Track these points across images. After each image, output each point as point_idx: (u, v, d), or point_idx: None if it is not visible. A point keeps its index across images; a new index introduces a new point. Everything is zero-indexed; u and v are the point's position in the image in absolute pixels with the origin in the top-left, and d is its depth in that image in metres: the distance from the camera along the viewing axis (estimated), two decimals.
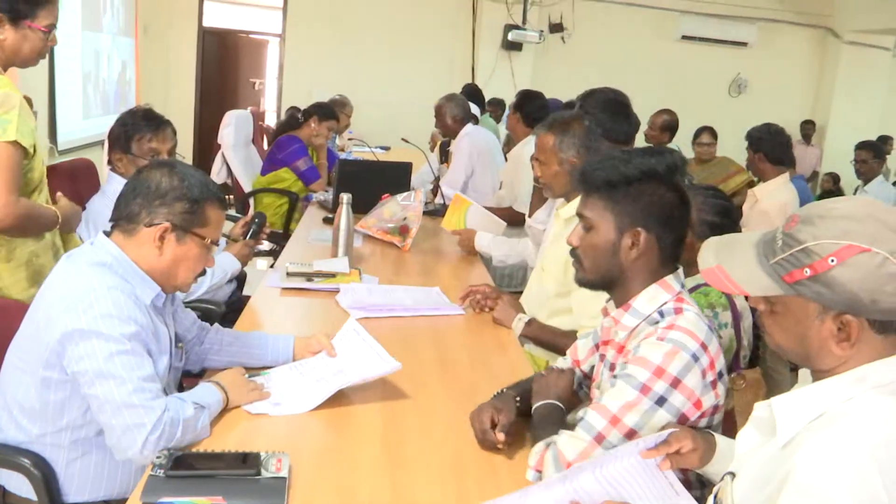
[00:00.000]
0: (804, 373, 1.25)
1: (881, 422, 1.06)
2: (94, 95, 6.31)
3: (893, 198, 6.03)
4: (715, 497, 1.26)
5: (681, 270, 1.76)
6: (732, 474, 1.26)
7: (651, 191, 1.66)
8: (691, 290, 2.20)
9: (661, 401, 1.55)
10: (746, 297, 2.29)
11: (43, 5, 2.22)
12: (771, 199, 4.10)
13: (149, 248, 1.71)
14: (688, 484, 1.63)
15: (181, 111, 8.16)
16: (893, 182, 8.46)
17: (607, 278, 1.73)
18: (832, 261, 1.09)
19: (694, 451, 1.39)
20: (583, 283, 1.79)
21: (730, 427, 2.26)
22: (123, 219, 1.72)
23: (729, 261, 1.21)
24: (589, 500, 1.34)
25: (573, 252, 1.78)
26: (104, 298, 1.60)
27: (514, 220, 4.21)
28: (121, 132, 2.82)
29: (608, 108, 3.03)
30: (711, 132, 6.02)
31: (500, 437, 1.66)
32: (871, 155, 5.76)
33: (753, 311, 2.30)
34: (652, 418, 1.55)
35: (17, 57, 2.23)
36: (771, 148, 4.24)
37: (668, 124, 5.85)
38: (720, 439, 1.48)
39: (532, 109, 4.44)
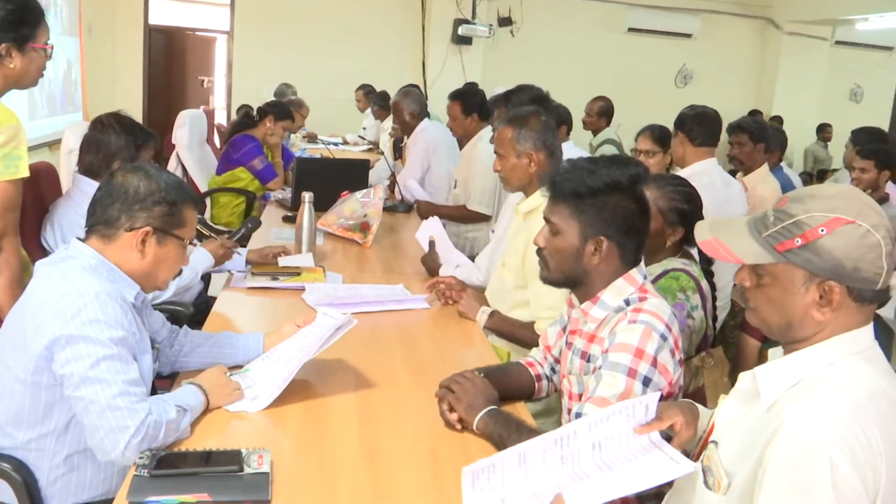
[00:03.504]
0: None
1: (859, 382, 1.21)
2: (40, 96, 6.18)
3: (795, 182, 6.19)
4: (702, 465, 1.36)
5: (643, 264, 1.86)
6: (716, 443, 1.36)
7: (615, 202, 1.76)
8: (661, 276, 2.28)
9: (646, 381, 1.67)
10: (712, 278, 2.41)
11: (41, 24, 2.22)
12: (764, 185, 4.23)
13: (130, 252, 1.74)
14: None
15: (129, 111, 7.95)
16: (821, 170, 8.76)
17: (571, 279, 1.85)
18: (822, 230, 1.22)
19: (688, 426, 1.45)
20: (547, 281, 1.90)
21: (700, 404, 2.35)
22: (101, 224, 1.73)
23: (724, 234, 1.35)
24: (579, 470, 1.40)
25: (539, 252, 1.88)
26: (92, 304, 1.62)
27: (468, 219, 4.26)
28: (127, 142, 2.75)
29: (533, 103, 3.31)
30: (657, 135, 4.10)
31: (454, 416, 1.78)
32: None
33: (713, 294, 2.40)
34: None
35: (24, 80, 2.23)
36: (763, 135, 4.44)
37: (604, 110, 6.17)
38: (699, 408, 1.55)
39: (479, 102, 4.46)
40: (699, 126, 3.49)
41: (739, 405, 1.37)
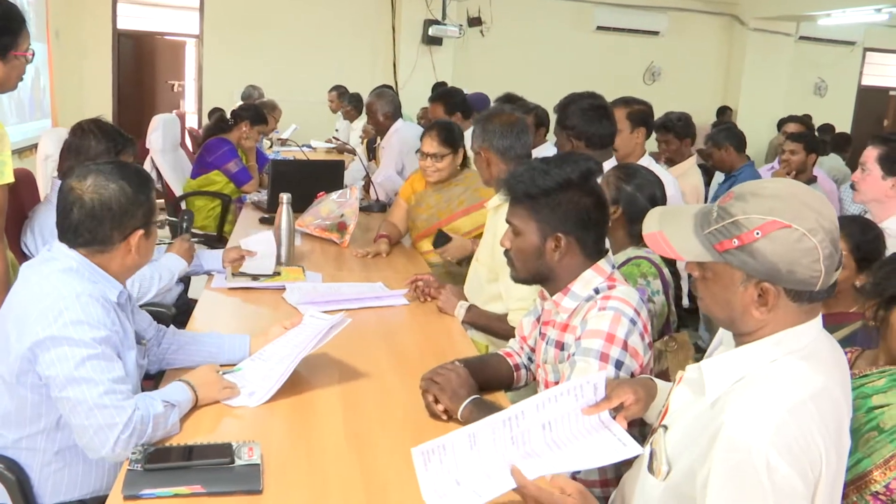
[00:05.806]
0: (728, 335, 1.40)
1: (799, 381, 1.23)
2: (8, 103, 6.13)
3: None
4: (651, 447, 1.40)
5: (610, 254, 1.94)
6: (665, 427, 1.40)
7: (568, 199, 1.83)
8: (625, 263, 2.35)
9: (619, 364, 1.74)
10: (674, 265, 2.48)
11: (22, 31, 2.25)
12: (685, 179, 4.22)
13: (124, 255, 1.79)
14: None
15: (100, 116, 7.97)
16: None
17: (537, 276, 1.93)
18: (757, 234, 1.23)
19: (637, 402, 1.51)
20: (517, 280, 1.97)
21: None
22: (97, 244, 1.75)
23: (670, 228, 1.36)
24: (530, 450, 1.44)
25: (506, 253, 1.96)
26: (74, 305, 1.65)
27: None
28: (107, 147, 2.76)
29: (587, 114, 2.91)
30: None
31: (440, 407, 1.84)
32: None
33: (677, 280, 2.49)
34: None
35: (5, 86, 2.26)
36: (687, 132, 4.55)
37: None
38: (658, 382, 1.62)
39: (461, 101, 4.51)
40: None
41: (690, 393, 1.39)
